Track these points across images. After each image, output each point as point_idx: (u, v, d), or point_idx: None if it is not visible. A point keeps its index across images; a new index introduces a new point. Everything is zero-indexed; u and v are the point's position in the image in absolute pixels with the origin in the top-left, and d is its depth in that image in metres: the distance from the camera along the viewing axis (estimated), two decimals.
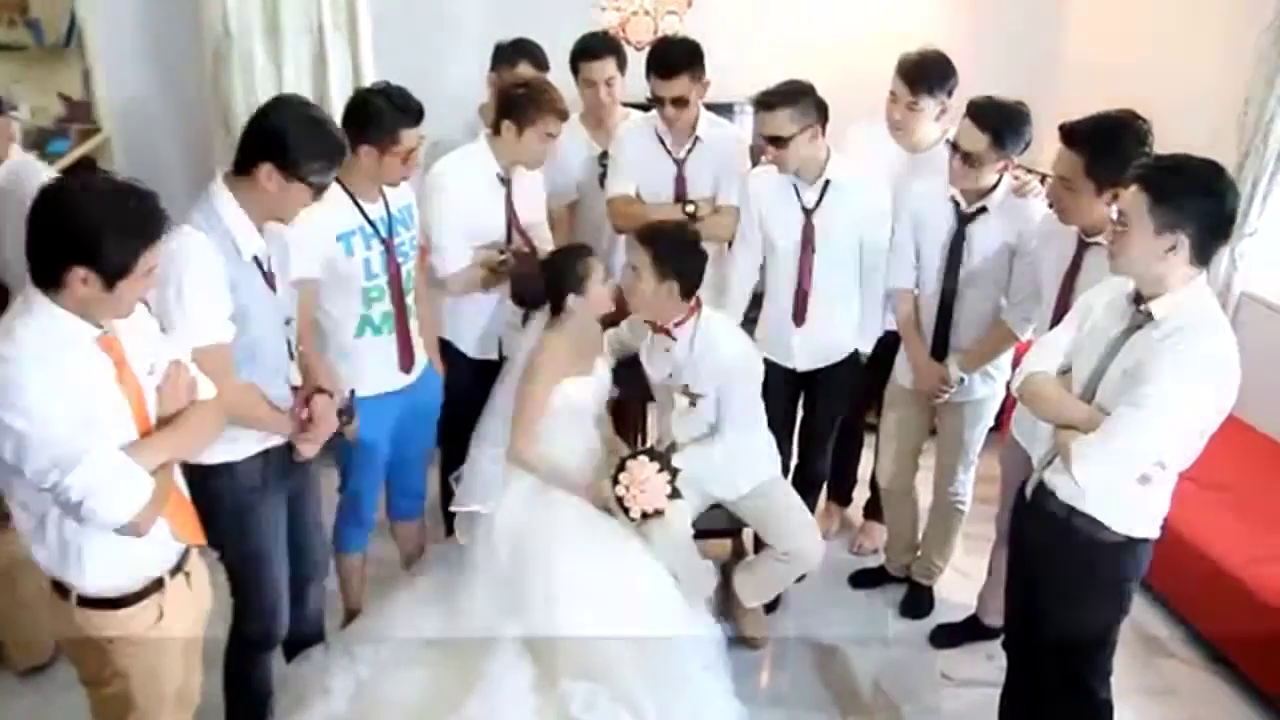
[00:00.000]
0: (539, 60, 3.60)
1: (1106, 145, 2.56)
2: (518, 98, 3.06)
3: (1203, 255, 2.16)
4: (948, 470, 3.40)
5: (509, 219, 3.23)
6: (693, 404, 3.05)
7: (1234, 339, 2.18)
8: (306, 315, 2.73)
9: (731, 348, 3.02)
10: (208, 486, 2.34)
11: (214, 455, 2.33)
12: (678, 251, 2.96)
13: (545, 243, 3.35)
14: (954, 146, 2.96)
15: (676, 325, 3.04)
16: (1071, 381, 2.37)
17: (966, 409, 3.27)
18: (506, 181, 3.18)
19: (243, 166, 2.28)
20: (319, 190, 2.34)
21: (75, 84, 4.55)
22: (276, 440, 2.47)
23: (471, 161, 3.14)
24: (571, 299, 2.98)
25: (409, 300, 2.94)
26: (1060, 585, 2.45)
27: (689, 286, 2.98)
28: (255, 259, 2.33)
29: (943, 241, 3.10)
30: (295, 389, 2.56)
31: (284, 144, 2.24)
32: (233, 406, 2.28)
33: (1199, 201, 2.12)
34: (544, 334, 3.04)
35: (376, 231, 2.80)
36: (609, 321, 3.27)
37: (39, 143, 4.26)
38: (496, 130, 3.12)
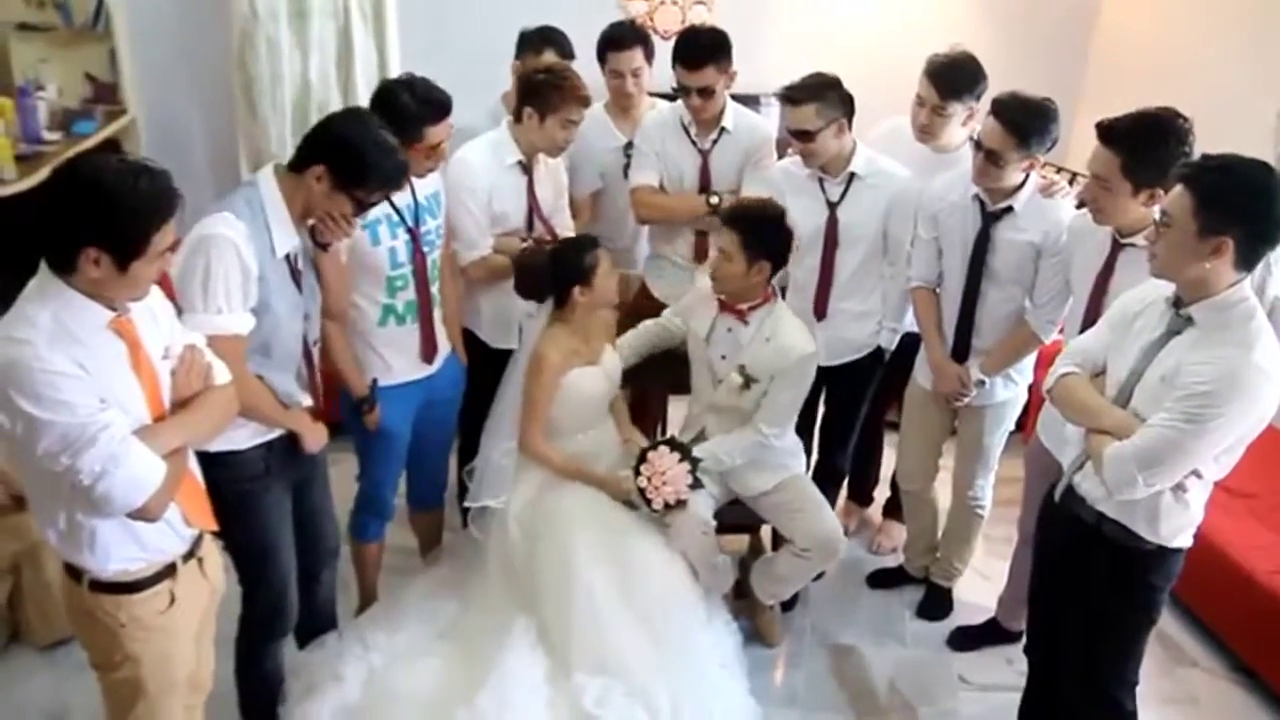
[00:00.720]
0: (565, 48, 3.57)
1: (1146, 145, 2.49)
2: (540, 84, 3.03)
3: (1248, 259, 2.09)
4: (967, 474, 3.35)
5: (530, 206, 3.20)
6: (746, 386, 3.02)
7: (1277, 345, 2.11)
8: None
9: (798, 344, 3.01)
10: (209, 475, 2.32)
11: (215, 444, 2.31)
12: (768, 231, 2.94)
13: (567, 229, 3.33)
14: (977, 144, 2.90)
15: (752, 308, 3.02)
16: (1105, 385, 2.32)
17: (987, 413, 3.22)
18: (528, 169, 3.16)
19: (299, 163, 2.28)
20: (363, 207, 2.35)
21: (102, 65, 4.59)
22: (279, 432, 2.46)
23: (493, 149, 3.12)
24: (577, 291, 2.95)
25: (433, 290, 2.93)
26: (1087, 592, 2.40)
27: (780, 262, 2.99)
28: (286, 256, 2.32)
29: (966, 240, 3.04)
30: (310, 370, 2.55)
31: (347, 155, 2.25)
32: (247, 402, 2.28)
33: (1248, 203, 2.05)
34: (547, 326, 3.02)
35: (403, 220, 2.79)
36: (636, 315, 3.24)
37: (65, 123, 4.28)
38: (518, 117, 3.09)
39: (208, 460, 2.30)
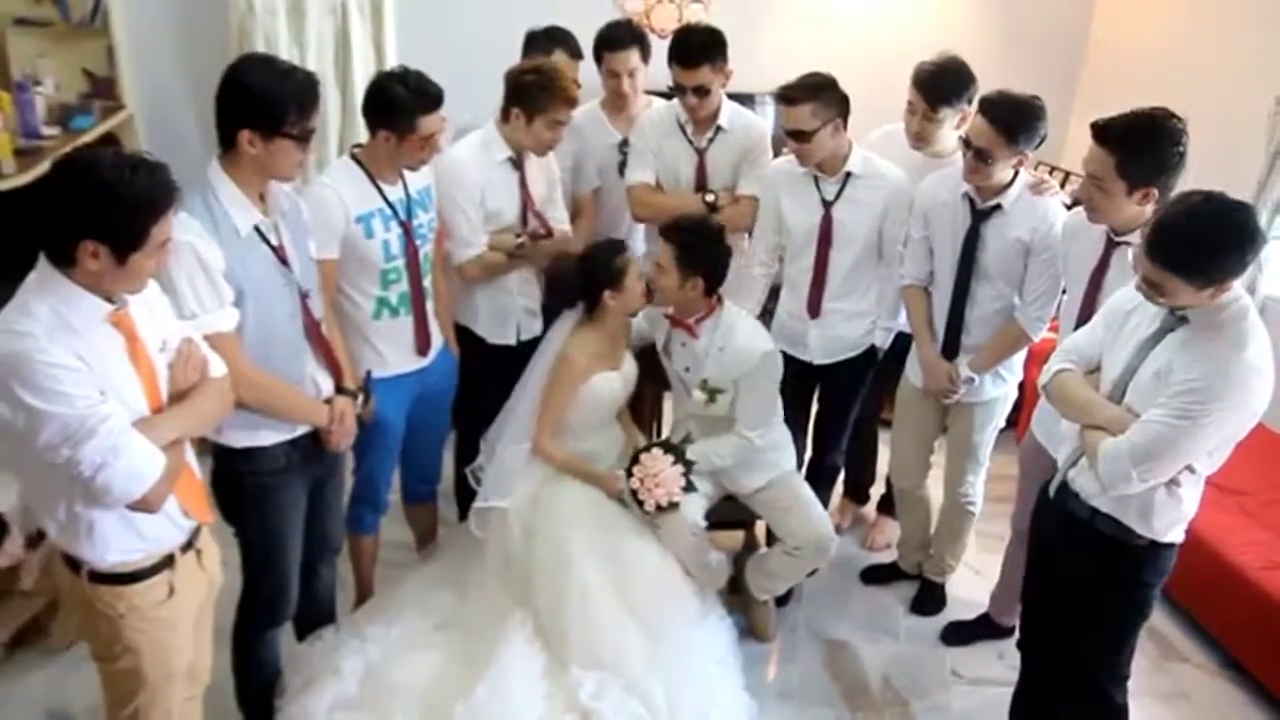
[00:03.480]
0: (573, 48, 3.57)
1: (1140, 145, 2.50)
2: (527, 85, 3.03)
3: (1208, 285, 2.09)
4: (957, 471, 3.37)
5: (523, 202, 3.22)
6: (711, 400, 3.03)
7: (1269, 343, 2.13)
8: (329, 295, 2.72)
9: (753, 346, 3.00)
10: (233, 465, 2.36)
11: (239, 440, 2.36)
12: (703, 248, 2.93)
13: (561, 222, 3.35)
14: (966, 143, 2.91)
15: (698, 321, 3.02)
16: (1100, 381, 2.34)
17: (977, 410, 3.24)
18: (519, 165, 3.17)
19: (225, 141, 2.25)
20: (303, 140, 2.29)
21: (100, 60, 4.58)
22: (304, 429, 2.48)
23: (482, 147, 3.13)
24: (608, 295, 2.97)
25: (426, 283, 2.94)
26: (1080, 587, 2.43)
27: (713, 283, 2.97)
28: (258, 231, 2.30)
29: (956, 238, 3.06)
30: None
31: (253, 105, 2.21)
32: (256, 399, 2.30)
33: (1195, 256, 2.07)
34: (577, 329, 3.03)
35: (395, 214, 2.80)
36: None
37: (63, 118, 4.28)
38: (505, 117, 3.10)
39: (233, 453, 2.34)
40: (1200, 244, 2.06)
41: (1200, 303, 2.14)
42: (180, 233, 2.13)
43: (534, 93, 3.02)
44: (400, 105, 2.66)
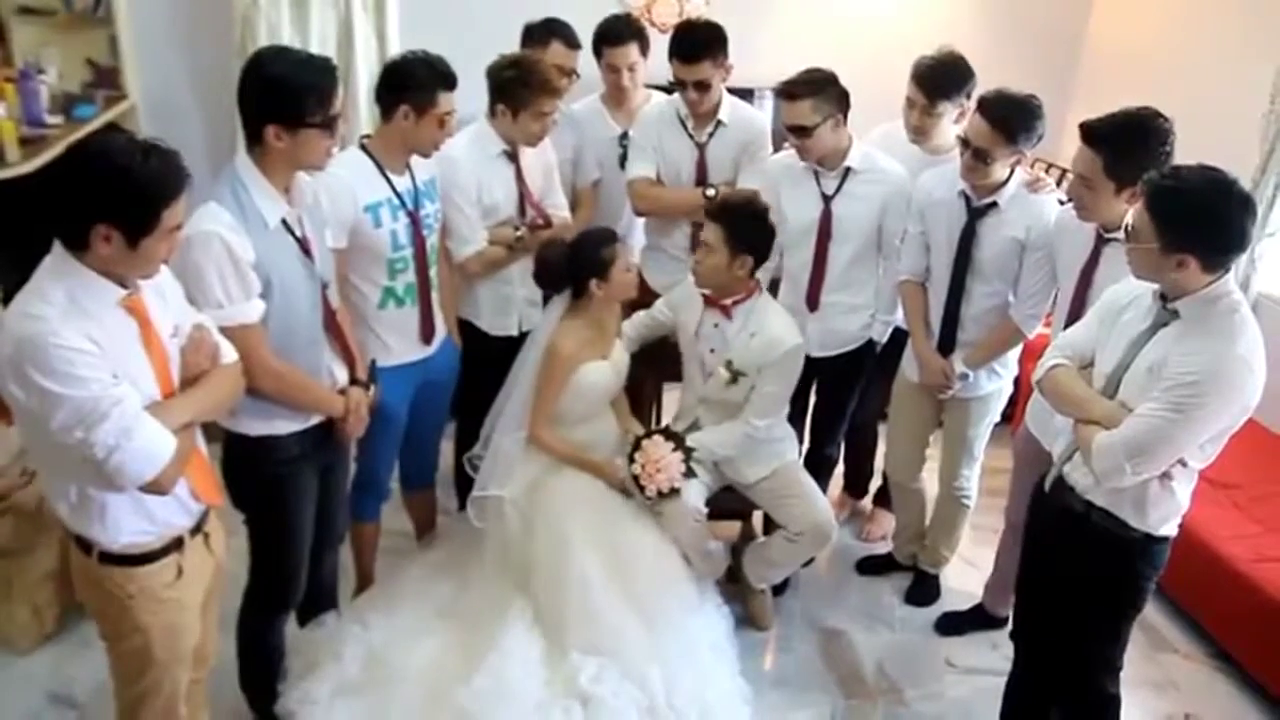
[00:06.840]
0: (570, 39, 3.59)
1: (1127, 145, 2.54)
2: (509, 81, 3.06)
3: (1214, 267, 2.14)
4: (952, 465, 3.41)
5: (520, 194, 3.24)
6: (734, 380, 3.06)
7: (1260, 338, 2.16)
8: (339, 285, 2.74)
9: (783, 337, 3.04)
10: (246, 454, 2.38)
11: (255, 429, 2.38)
12: (751, 225, 2.98)
13: (560, 209, 3.37)
14: (965, 142, 2.94)
15: (735, 303, 3.06)
16: (1093, 376, 2.38)
17: (972, 405, 3.27)
18: (513, 157, 3.20)
19: (251, 136, 2.27)
20: (327, 127, 2.29)
21: (103, 50, 4.58)
22: (317, 418, 2.50)
23: (477, 142, 3.15)
24: (594, 284, 2.99)
25: (432, 273, 2.97)
26: (1075, 581, 2.45)
27: (762, 259, 3.02)
28: (284, 223, 2.33)
29: (952, 235, 3.09)
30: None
31: (274, 99, 2.22)
32: (276, 389, 2.33)
33: (1201, 226, 2.10)
34: (563, 318, 3.06)
35: (403, 204, 2.83)
36: (631, 306, 3.28)
37: (66, 107, 4.29)
38: (493, 112, 3.13)
39: (248, 441, 2.37)
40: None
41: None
42: (211, 224, 2.17)
43: (515, 88, 3.05)
44: (421, 79, 2.69)
